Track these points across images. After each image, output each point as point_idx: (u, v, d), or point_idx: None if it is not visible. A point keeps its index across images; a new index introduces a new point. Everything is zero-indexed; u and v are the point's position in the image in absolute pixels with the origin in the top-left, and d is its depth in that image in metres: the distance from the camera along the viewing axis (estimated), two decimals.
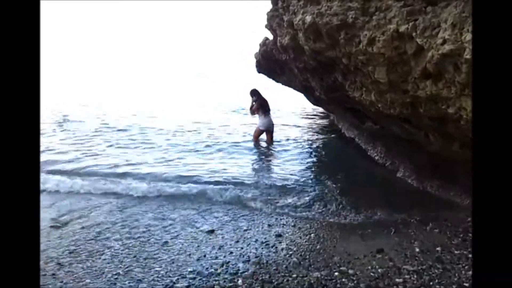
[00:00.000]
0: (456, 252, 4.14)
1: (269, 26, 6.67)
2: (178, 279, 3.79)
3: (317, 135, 10.75)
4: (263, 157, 8.64)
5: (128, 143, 9.52)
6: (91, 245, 4.46)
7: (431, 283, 3.60)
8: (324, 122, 12.53)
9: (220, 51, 39.84)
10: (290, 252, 4.33)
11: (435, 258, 4.04)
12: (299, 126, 12.08)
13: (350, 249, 4.34)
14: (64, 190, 6.24)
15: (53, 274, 3.81)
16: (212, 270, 3.96)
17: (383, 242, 4.48)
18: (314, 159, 8.58)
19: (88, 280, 3.73)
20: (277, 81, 9.71)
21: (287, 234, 4.82)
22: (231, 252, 4.33)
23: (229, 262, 4.11)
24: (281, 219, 5.27)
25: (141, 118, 13.24)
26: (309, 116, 13.64)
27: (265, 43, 7.94)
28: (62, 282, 3.69)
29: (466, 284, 3.54)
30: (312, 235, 4.79)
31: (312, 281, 3.66)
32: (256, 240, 4.63)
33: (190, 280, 3.75)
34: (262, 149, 9.22)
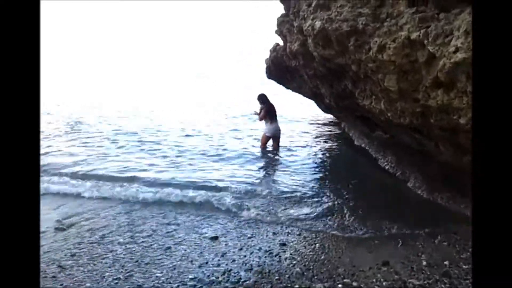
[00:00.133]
0: (464, 266, 4.00)
1: (279, 32, 6.62)
2: (178, 286, 3.74)
3: (327, 143, 10.63)
4: (271, 164, 8.53)
5: (137, 146, 9.54)
6: (94, 248, 4.44)
7: None
8: (335, 130, 12.40)
9: (220, 51, 39.92)
10: (294, 262, 4.24)
11: (442, 272, 3.91)
12: (308, 133, 11.98)
13: (355, 261, 4.23)
14: (71, 193, 6.26)
15: (54, 277, 3.80)
16: (214, 278, 3.89)
17: (390, 254, 4.37)
18: (323, 168, 8.47)
19: (88, 284, 3.70)
20: (287, 88, 9.63)
21: (291, 243, 4.74)
22: (234, 260, 4.26)
23: (231, 270, 4.05)
24: (286, 228, 5.18)
25: (150, 120, 13.30)
26: (320, 123, 13.54)
27: (275, 49, 7.88)
28: (62, 285, 3.67)
29: None
30: (317, 245, 4.69)
31: None
32: (260, 248, 4.55)
33: None
34: (270, 156, 9.13)
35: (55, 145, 9.48)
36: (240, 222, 5.34)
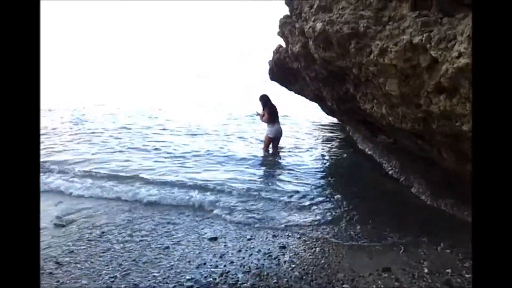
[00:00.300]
0: (467, 275, 3.95)
1: (281, 33, 6.60)
2: (175, 286, 3.74)
3: (331, 146, 10.58)
4: (274, 167, 8.47)
5: (140, 145, 9.56)
6: (92, 246, 4.45)
7: None
8: (339, 133, 12.34)
9: (220, 51, 39.98)
10: (293, 265, 4.21)
11: (444, 281, 3.86)
12: (312, 135, 11.94)
13: (355, 266, 4.19)
14: (72, 190, 6.29)
15: (51, 273, 3.81)
16: (211, 279, 3.88)
17: (391, 260, 4.33)
18: (327, 172, 8.41)
19: (84, 282, 3.71)
20: (290, 90, 9.59)
21: (291, 246, 4.71)
22: (232, 262, 4.24)
23: (229, 272, 4.03)
24: (286, 231, 5.14)
25: (153, 119, 13.35)
26: (324, 126, 13.48)
27: (278, 50, 7.87)
28: (58, 281, 3.69)
29: None
30: (317, 248, 4.66)
31: None
32: (259, 251, 4.53)
33: None
34: (273, 158, 9.09)
35: (58, 142, 9.54)
36: (240, 223, 5.32)
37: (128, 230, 4.92)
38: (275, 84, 10.20)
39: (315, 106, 10.97)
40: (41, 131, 10.68)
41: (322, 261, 4.32)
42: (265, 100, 9.34)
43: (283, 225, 5.30)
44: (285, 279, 3.91)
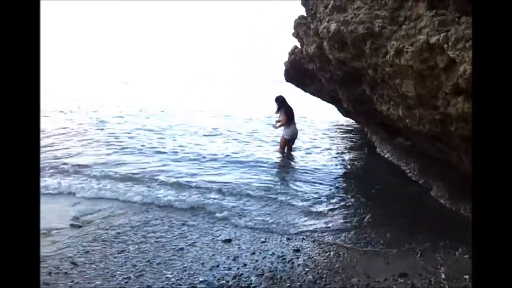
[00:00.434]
0: None
1: (296, 34, 6.54)
2: None
3: (348, 148, 10.47)
4: (290, 170, 8.40)
5: (157, 146, 9.64)
6: (107, 246, 4.50)
7: None
8: (357, 134, 12.20)
9: (220, 51, 40.15)
10: (307, 269, 4.16)
11: (462, 287, 3.74)
12: (329, 137, 11.84)
13: (370, 271, 4.11)
14: (89, 192, 6.36)
15: (66, 273, 3.87)
16: (224, 281, 3.86)
17: (407, 265, 4.23)
18: (344, 174, 8.31)
19: (98, 282, 3.74)
20: (306, 91, 9.53)
21: (305, 250, 4.65)
22: (245, 264, 4.22)
23: (242, 274, 4.01)
24: (301, 234, 5.09)
25: (170, 120, 13.46)
26: (341, 127, 13.35)
27: (294, 51, 7.81)
28: (73, 281, 3.73)
29: None
30: (331, 252, 4.59)
31: None
32: (273, 254, 4.50)
33: None
34: (289, 160, 9.03)
35: (77, 144, 9.69)
36: (255, 226, 5.29)
37: (143, 231, 4.95)
38: (275, 85, 10.19)
39: (328, 107, 10.90)
40: (61, 133, 10.94)
41: (337, 265, 4.25)
42: (281, 101, 9.23)
43: (297, 228, 5.25)
44: (299, 283, 3.86)
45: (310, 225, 5.38)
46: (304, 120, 13.79)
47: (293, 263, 4.29)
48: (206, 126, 12.67)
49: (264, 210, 5.86)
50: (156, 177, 7.15)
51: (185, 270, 4.04)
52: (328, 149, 10.23)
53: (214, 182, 7.02)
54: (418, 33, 3.66)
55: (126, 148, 9.43)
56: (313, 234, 5.08)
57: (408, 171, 7.79)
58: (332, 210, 5.94)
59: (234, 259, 4.32)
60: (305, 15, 6.73)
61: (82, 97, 20.38)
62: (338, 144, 10.98)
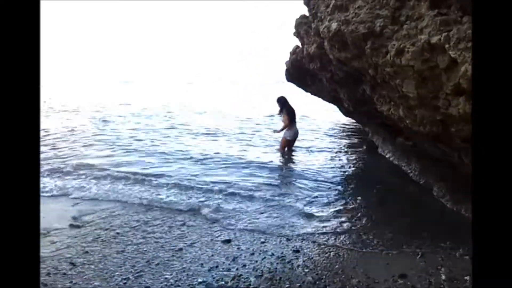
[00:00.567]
0: None
1: (297, 34, 6.50)
2: None
3: (349, 148, 10.44)
4: (291, 170, 8.36)
5: (160, 147, 9.60)
6: (106, 247, 4.48)
7: None
8: (358, 134, 12.15)
9: (220, 51, 40.17)
10: (306, 270, 4.14)
11: None
12: (331, 136, 11.81)
13: (370, 272, 4.09)
14: (89, 192, 6.34)
15: (64, 274, 3.86)
16: (223, 282, 3.85)
17: (407, 266, 4.21)
18: (345, 174, 8.27)
19: (97, 283, 3.73)
20: (307, 91, 9.49)
21: (305, 250, 4.63)
22: (245, 265, 4.20)
23: (241, 275, 3.99)
24: (301, 234, 5.06)
25: (173, 120, 13.44)
26: (342, 127, 13.32)
27: (295, 51, 7.77)
28: (71, 282, 3.72)
29: None
30: (331, 253, 4.57)
31: None
32: (272, 254, 4.48)
33: None
34: (290, 161, 8.99)
35: (77, 144, 9.67)
36: (254, 227, 5.26)
37: (142, 231, 4.94)
38: (276, 85, 10.16)
39: (329, 107, 10.85)
40: (62, 132, 10.94)
41: (336, 266, 4.23)
42: (282, 102, 9.20)
43: (297, 229, 5.23)
44: (298, 284, 3.85)
45: (310, 226, 5.35)
46: (305, 120, 13.74)
47: (292, 264, 4.27)
48: (207, 126, 12.64)
49: (264, 211, 5.83)
50: (156, 178, 7.13)
51: (184, 271, 4.02)
52: (329, 149, 10.19)
53: (215, 182, 6.99)
54: (419, 32, 3.62)
55: (127, 148, 9.40)
56: (313, 235, 5.05)
57: (409, 171, 7.76)
58: (333, 211, 5.91)
59: (233, 260, 4.30)
60: (307, 14, 6.71)
61: (83, 96, 20.40)
62: (339, 144, 10.94)
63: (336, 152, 9.89)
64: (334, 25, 4.47)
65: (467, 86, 3.31)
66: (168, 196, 6.23)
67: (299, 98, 11.83)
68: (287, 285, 3.82)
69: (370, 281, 3.91)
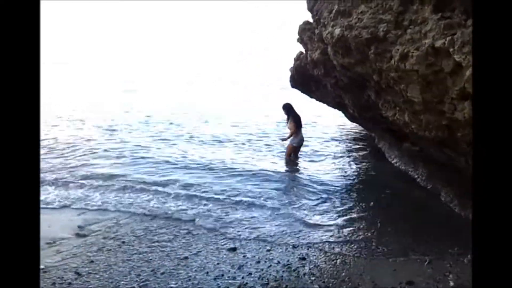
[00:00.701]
0: None
1: (301, 40, 6.49)
2: None
3: (356, 153, 10.37)
4: (297, 177, 8.27)
5: (168, 156, 9.54)
6: (112, 256, 4.47)
7: None
8: (365, 139, 12.08)
9: (220, 51, 40.17)
10: (313, 278, 4.11)
11: None
12: (337, 141, 11.75)
13: (377, 279, 4.05)
14: (95, 202, 6.30)
15: (70, 283, 3.85)
16: None
17: (415, 273, 4.16)
18: (351, 180, 8.21)
19: None
20: (312, 97, 9.46)
21: (311, 258, 4.59)
22: (250, 273, 4.17)
23: (246, 284, 3.96)
24: (307, 242, 5.02)
25: (177, 127, 13.45)
26: (348, 132, 13.25)
27: (299, 57, 7.77)
28: None
29: None
30: (338, 260, 4.53)
31: None
32: (278, 262, 4.44)
33: None
34: (295, 167, 8.94)
35: (83, 153, 9.67)
36: (260, 234, 5.22)
37: (147, 240, 4.92)
38: (280, 90, 10.11)
39: (334, 112, 10.78)
40: (71, 142, 10.97)
41: (343, 274, 4.19)
42: (288, 109, 9.16)
43: (304, 237, 5.19)
44: None
45: (316, 233, 5.30)
46: (311, 125, 13.70)
47: (298, 271, 4.24)
48: (212, 133, 12.61)
49: (270, 218, 5.79)
50: (161, 186, 7.09)
51: (189, 280, 4.00)
52: (335, 155, 10.13)
53: (221, 191, 6.96)
54: (423, 37, 3.59)
55: (133, 156, 9.37)
56: (319, 243, 5.01)
57: (416, 176, 7.69)
58: (339, 218, 5.86)
59: (239, 268, 4.27)
60: (310, 20, 6.70)
61: (88, 103, 20.46)
62: (345, 150, 10.88)
63: (342, 158, 9.82)
64: (337, 31, 4.45)
65: (472, 90, 3.27)
66: (173, 205, 6.20)
67: (304, 103, 11.79)
68: None
69: None
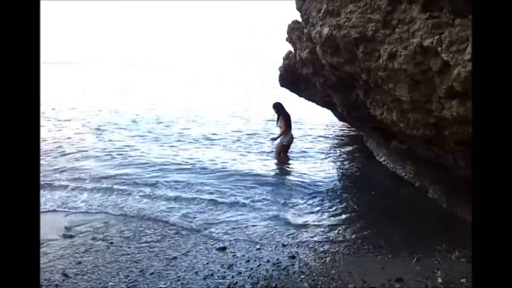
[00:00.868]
0: None
1: (289, 39, 6.49)
2: None
3: (344, 152, 10.43)
4: (286, 176, 8.29)
5: (158, 156, 9.46)
6: (99, 257, 4.41)
7: None
8: (353, 138, 12.17)
9: (220, 51, 40.29)
10: (302, 276, 4.11)
11: None
12: (325, 139, 11.81)
13: (366, 276, 4.07)
14: (82, 203, 6.21)
15: (57, 285, 3.78)
16: None
17: (403, 270, 4.19)
18: (339, 178, 8.27)
19: None
20: (301, 96, 9.49)
21: (301, 256, 4.59)
22: (240, 272, 4.15)
23: (236, 283, 3.94)
24: (297, 240, 5.03)
25: (171, 126, 13.37)
26: (337, 131, 13.33)
27: (288, 56, 7.77)
28: None
29: None
30: (327, 258, 4.54)
31: None
32: (268, 261, 4.44)
33: None
34: (284, 165, 8.96)
35: (75, 153, 9.54)
36: (250, 234, 5.21)
37: (136, 241, 4.87)
38: (274, 89, 10.13)
39: (324, 111, 10.84)
40: (59, 141, 10.82)
41: (333, 272, 4.20)
42: (278, 108, 9.18)
43: (293, 235, 5.19)
44: None
45: (306, 232, 5.32)
46: (301, 124, 13.75)
47: (288, 270, 4.24)
48: (203, 133, 12.56)
49: (260, 218, 5.78)
50: (149, 187, 7.02)
51: (178, 280, 3.97)
52: (324, 153, 10.18)
53: (210, 191, 6.92)
54: (411, 36, 3.62)
55: (121, 157, 9.27)
56: (309, 241, 5.02)
57: (404, 174, 7.77)
58: (328, 216, 5.88)
59: (228, 267, 4.26)
60: (299, 20, 6.71)
61: (78, 102, 20.26)
62: (334, 148, 10.94)
63: (330, 157, 9.87)
64: (326, 30, 4.46)
65: (460, 88, 3.31)
66: (162, 205, 6.15)
67: (295, 101, 11.81)
68: None
69: (367, 285, 3.89)
